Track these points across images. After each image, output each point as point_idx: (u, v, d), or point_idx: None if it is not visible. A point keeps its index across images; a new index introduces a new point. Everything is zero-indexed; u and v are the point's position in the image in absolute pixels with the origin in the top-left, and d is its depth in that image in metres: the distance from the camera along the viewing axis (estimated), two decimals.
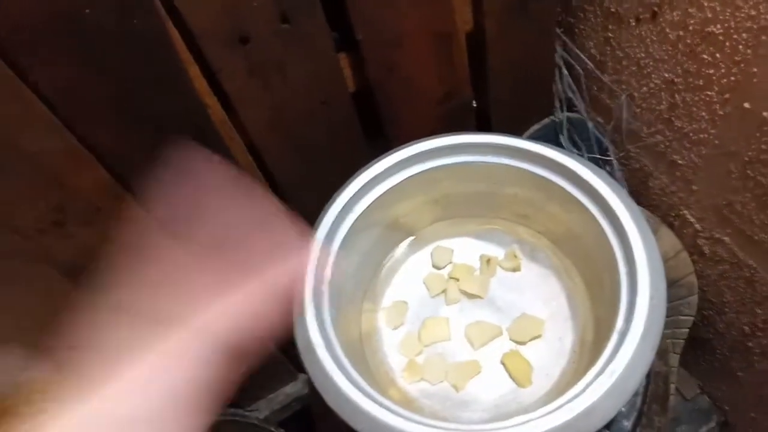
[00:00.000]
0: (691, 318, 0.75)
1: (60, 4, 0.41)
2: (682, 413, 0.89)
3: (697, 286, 0.74)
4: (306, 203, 0.64)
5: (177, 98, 0.50)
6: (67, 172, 0.50)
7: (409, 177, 0.54)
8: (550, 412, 0.38)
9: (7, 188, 0.48)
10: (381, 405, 0.39)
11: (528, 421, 0.38)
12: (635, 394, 0.49)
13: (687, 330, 0.76)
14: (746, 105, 0.52)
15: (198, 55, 0.50)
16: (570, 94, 0.76)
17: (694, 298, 0.74)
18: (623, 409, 0.49)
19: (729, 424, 0.87)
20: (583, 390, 0.38)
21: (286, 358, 0.88)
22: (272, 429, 0.82)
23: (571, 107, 0.79)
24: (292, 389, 0.93)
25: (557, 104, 0.78)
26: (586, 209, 0.48)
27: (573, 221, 0.51)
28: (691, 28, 0.56)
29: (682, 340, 0.76)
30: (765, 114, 0.52)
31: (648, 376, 0.50)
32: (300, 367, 0.92)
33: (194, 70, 0.50)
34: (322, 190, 0.55)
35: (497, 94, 0.71)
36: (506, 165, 0.52)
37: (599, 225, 0.47)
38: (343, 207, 0.51)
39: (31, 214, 0.51)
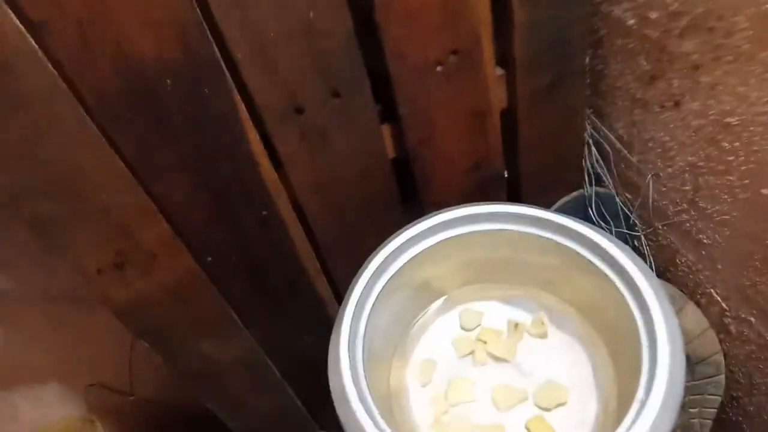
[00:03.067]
0: (719, 398, 0.74)
1: (142, 75, 0.47)
2: None
3: (724, 365, 0.74)
4: (344, 262, 0.68)
5: (237, 161, 0.56)
6: (134, 223, 0.55)
7: (442, 240, 0.58)
8: None
9: (81, 234, 0.53)
10: None
11: None
12: None
13: (715, 410, 0.75)
14: (764, 191, 0.55)
15: (257, 121, 0.56)
16: (599, 170, 0.80)
17: (721, 378, 0.74)
18: None
19: None
20: None
21: (308, 412, 0.89)
22: None
23: (599, 182, 0.82)
24: None
25: (586, 178, 0.81)
26: (611, 282, 0.51)
27: (597, 293, 0.54)
28: (711, 117, 0.60)
29: (709, 420, 0.75)
30: None
31: None
32: (322, 424, 0.94)
33: (253, 135, 0.56)
34: (359, 249, 0.59)
35: (527, 167, 0.75)
36: (534, 234, 0.55)
37: (623, 298, 0.49)
38: (379, 266, 0.55)
39: (96, 257, 0.56)
